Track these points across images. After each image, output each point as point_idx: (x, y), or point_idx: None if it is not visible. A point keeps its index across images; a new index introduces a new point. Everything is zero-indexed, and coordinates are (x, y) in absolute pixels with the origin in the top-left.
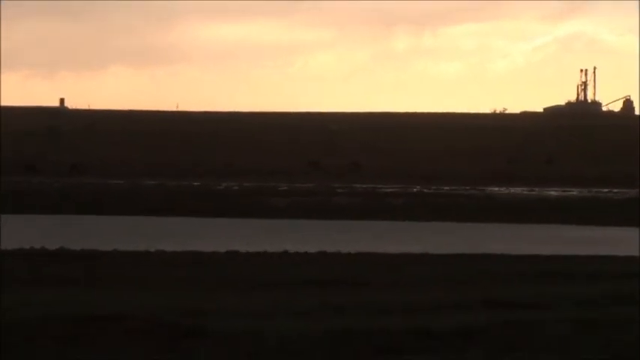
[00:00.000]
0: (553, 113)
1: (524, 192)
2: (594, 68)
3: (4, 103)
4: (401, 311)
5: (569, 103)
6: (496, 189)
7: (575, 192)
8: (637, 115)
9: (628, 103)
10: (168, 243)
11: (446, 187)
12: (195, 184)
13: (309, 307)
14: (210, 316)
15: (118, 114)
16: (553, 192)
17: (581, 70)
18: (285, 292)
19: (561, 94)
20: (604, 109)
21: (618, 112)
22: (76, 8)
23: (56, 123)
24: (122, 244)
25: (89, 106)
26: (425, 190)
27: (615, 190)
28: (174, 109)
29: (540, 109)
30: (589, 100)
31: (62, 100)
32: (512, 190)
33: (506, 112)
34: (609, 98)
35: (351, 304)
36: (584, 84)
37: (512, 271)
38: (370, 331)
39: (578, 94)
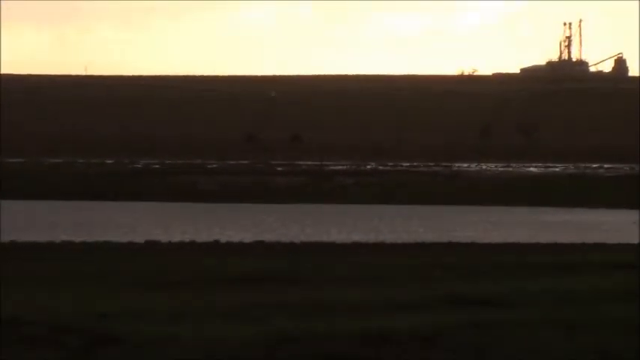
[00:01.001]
0: (532, 75)
1: (499, 169)
2: (579, 21)
3: None
4: (350, 311)
5: (550, 63)
6: (465, 165)
7: (558, 168)
8: (631, 77)
9: (620, 63)
10: (77, 232)
11: (405, 164)
12: (109, 161)
13: (243, 307)
14: (125, 319)
15: (17, 79)
16: (533, 168)
17: (565, 24)
18: (214, 290)
19: (541, 52)
20: (592, 69)
21: (608, 72)
22: None
23: None
24: (21, 233)
25: None
26: (380, 168)
27: (606, 166)
28: (82, 72)
29: (517, 71)
30: (574, 59)
31: None
32: (485, 166)
33: (477, 74)
34: (598, 57)
35: (291, 304)
36: (568, 40)
37: (484, 262)
38: (314, 335)
39: (560, 52)
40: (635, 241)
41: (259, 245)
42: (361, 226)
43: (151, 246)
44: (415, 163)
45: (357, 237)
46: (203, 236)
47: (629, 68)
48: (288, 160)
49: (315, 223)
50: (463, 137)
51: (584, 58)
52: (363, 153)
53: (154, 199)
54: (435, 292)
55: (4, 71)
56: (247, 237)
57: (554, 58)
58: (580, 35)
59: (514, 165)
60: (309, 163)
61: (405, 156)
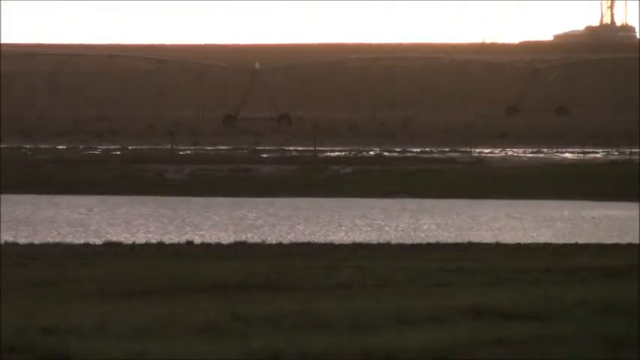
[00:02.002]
0: (567, 43)
1: (528, 154)
2: None
3: None
4: (349, 326)
5: (589, 29)
6: (487, 150)
7: (599, 154)
8: None
9: None
10: (21, 232)
11: (416, 149)
12: (60, 147)
13: (221, 320)
14: (79, 336)
15: None
16: (568, 154)
17: None
18: (185, 300)
19: (579, 16)
20: (638, 35)
21: None
22: None
23: None
24: None
25: None
26: (386, 154)
27: None
28: (33, 41)
29: (549, 38)
30: (617, 24)
31: None
32: (511, 151)
33: (501, 42)
34: None
35: (279, 316)
36: (611, 1)
37: (508, 267)
38: (306, 354)
39: (602, 16)
40: None
41: (240, 246)
42: (362, 224)
43: (111, 248)
44: (427, 148)
45: (357, 236)
46: (173, 236)
47: None
48: (275, 144)
49: (308, 219)
50: (485, 117)
51: (629, 22)
52: (365, 136)
53: (114, 192)
54: (452, 302)
55: None
56: (226, 237)
57: (594, 22)
58: None
59: (546, 150)
60: (300, 148)
61: (415, 139)
